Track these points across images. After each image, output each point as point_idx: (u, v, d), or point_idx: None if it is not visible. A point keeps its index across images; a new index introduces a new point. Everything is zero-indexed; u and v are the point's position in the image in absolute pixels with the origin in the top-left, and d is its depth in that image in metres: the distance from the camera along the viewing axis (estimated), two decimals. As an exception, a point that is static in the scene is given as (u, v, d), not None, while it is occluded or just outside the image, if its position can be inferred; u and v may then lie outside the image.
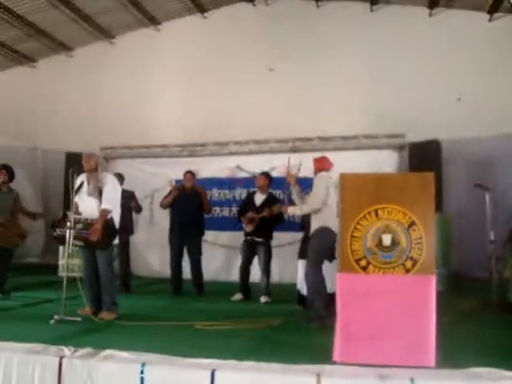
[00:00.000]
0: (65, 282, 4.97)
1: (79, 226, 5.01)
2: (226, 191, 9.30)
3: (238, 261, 8.78)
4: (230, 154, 9.34)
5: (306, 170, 8.70)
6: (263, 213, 6.56)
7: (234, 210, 8.68)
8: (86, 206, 5.19)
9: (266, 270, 6.57)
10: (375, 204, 3.44)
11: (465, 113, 9.34)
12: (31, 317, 5.13)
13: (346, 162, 8.40)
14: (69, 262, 8.85)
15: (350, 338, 3.34)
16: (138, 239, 9.07)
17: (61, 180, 9.78)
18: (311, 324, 4.79)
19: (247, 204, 6.94)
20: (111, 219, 5.13)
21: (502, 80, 9.45)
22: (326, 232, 4.92)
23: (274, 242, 6.97)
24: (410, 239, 3.38)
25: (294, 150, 8.94)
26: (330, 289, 5.39)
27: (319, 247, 4.95)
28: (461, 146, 8.31)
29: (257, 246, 6.67)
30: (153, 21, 11.38)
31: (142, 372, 3.16)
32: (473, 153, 8.54)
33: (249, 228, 6.63)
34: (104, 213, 5.05)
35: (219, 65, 10.99)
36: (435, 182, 7.31)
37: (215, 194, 9.24)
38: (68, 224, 4.94)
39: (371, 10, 10.60)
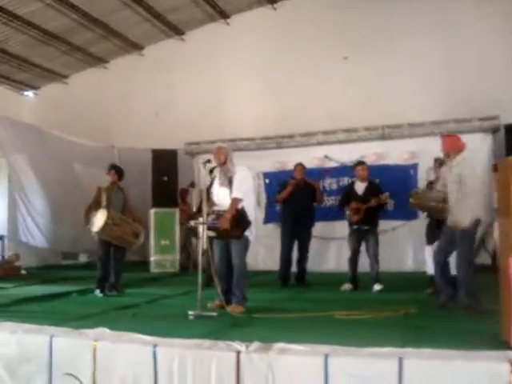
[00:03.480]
0: (200, 277, 4.94)
1: (212, 217, 5.01)
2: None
3: (331, 251, 8.87)
4: (318, 143, 9.23)
5: (396, 157, 8.76)
6: (371, 202, 6.45)
7: (326, 200, 8.58)
8: (219, 197, 5.19)
9: (376, 257, 6.48)
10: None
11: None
12: (165, 313, 5.10)
13: (438, 148, 8.33)
14: (161, 257, 9.32)
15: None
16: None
17: (141, 176, 9.99)
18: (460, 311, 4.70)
19: (349, 194, 6.86)
20: (243, 209, 5.09)
21: None
22: (476, 224, 4.80)
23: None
24: None
25: (383, 138, 8.83)
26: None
27: (470, 239, 4.84)
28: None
29: (364, 234, 6.58)
30: (222, 14, 11.37)
31: (325, 363, 3.10)
32: None
33: (356, 218, 6.54)
34: (234, 202, 5.04)
35: (292, 56, 10.92)
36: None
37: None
38: (201, 216, 4.93)
39: (444, -4, 10.26)
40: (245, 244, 5.19)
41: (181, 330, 4.14)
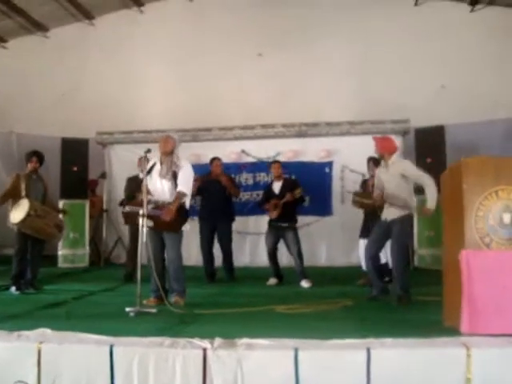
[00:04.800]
0: (139, 271, 4.79)
1: (150, 205, 4.89)
2: (232, 176, 9.25)
3: (246, 245, 8.96)
4: (235, 138, 9.23)
5: (312, 155, 9.06)
6: (286, 197, 6.60)
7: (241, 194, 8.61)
8: (157, 188, 5.10)
9: (299, 253, 6.63)
10: (495, 186, 3.62)
11: (449, 100, 9.79)
12: (100, 311, 4.87)
13: (353, 147, 8.77)
14: (69, 251, 8.82)
15: (477, 311, 3.52)
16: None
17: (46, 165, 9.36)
18: (396, 302, 4.99)
19: (268, 194, 7.01)
20: (184, 204, 5.06)
21: (485, 68, 9.95)
22: (411, 220, 5.13)
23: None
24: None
25: (300, 135, 9.07)
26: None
27: (409, 235, 5.14)
28: (461, 131, 8.67)
29: (283, 231, 6.71)
30: (136, 2, 11.00)
31: (295, 357, 3.15)
32: (467, 138, 9.00)
33: (274, 214, 6.68)
34: (180, 195, 5.00)
35: (207, 49, 10.83)
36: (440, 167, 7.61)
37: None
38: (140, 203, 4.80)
39: (361, -3, 10.79)
40: (180, 237, 5.16)
41: (126, 328, 3.98)
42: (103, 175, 9.39)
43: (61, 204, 8.79)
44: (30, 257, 6.09)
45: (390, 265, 6.21)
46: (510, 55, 9.94)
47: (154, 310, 4.67)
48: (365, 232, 6.47)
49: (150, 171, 5.14)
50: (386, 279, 6.16)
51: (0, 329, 3.81)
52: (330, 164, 8.94)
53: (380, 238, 5.28)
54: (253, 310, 4.76)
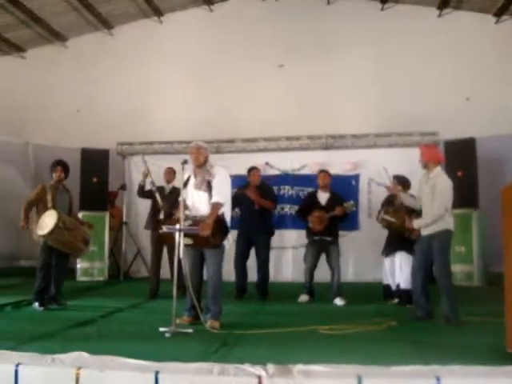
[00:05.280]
0: (174, 289, 4.53)
1: (187, 222, 4.59)
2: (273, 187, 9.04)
3: (276, 260, 8.67)
4: (258, 150, 9.04)
5: (337, 167, 8.84)
6: (336, 211, 6.37)
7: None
8: (194, 201, 4.80)
9: (339, 270, 6.40)
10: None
11: (473, 113, 9.56)
12: (132, 331, 4.61)
13: (380, 160, 8.53)
14: (89, 264, 8.61)
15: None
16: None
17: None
18: (442, 322, 4.77)
19: (310, 203, 6.71)
20: (223, 215, 4.74)
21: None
22: (450, 235, 4.90)
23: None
24: None
25: (326, 148, 8.87)
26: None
27: (448, 250, 4.89)
28: (491, 144, 8.43)
29: (326, 245, 6.48)
30: (156, 12, 10.88)
31: (360, 384, 2.91)
32: (496, 151, 8.76)
33: (319, 227, 6.42)
34: (216, 206, 4.67)
35: (226, 60, 10.71)
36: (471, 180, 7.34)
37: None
38: (177, 220, 4.53)
39: (382, 9, 10.65)
40: (222, 253, 4.85)
41: (166, 351, 3.74)
42: (123, 187, 9.20)
43: (80, 216, 8.61)
44: (55, 271, 5.87)
45: (393, 286, 6.15)
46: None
47: (190, 331, 4.40)
48: (387, 250, 6.28)
49: (185, 185, 4.90)
50: (395, 301, 6.01)
51: (28, 350, 3.58)
52: (356, 177, 8.73)
53: (423, 255, 5.02)
54: (295, 330, 4.50)
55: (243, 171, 8.87)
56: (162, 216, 6.71)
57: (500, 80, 9.77)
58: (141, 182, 6.92)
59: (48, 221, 5.60)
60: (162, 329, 4.40)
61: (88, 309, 5.79)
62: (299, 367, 3.14)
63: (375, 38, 10.40)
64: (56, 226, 5.52)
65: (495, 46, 9.97)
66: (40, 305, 5.71)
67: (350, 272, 8.55)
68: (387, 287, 6.33)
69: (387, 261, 6.27)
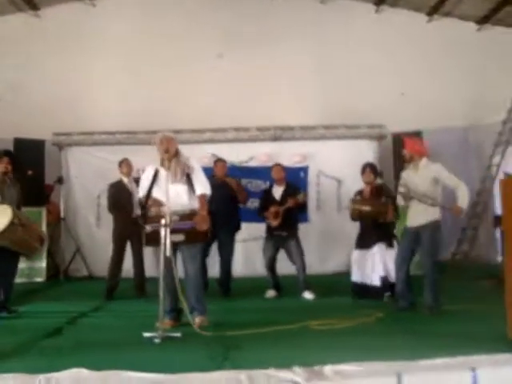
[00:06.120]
0: (161, 289, 4.20)
1: (174, 218, 4.28)
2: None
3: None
4: (204, 141, 8.79)
5: (286, 159, 8.80)
6: (288, 203, 6.25)
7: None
8: (171, 195, 4.34)
9: (303, 264, 6.32)
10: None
11: (408, 107, 9.89)
12: (113, 338, 4.23)
13: (328, 152, 8.64)
14: (24, 265, 7.91)
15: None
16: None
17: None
18: (426, 312, 4.85)
19: (267, 199, 6.58)
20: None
21: (442, 76, 10.19)
22: (440, 226, 4.98)
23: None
24: None
25: (274, 139, 8.79)
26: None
27: (437, 241, 4.95)
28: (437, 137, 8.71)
29: (284, 240, 6.37)
30: (89, -6, 10.18)
31: (399, 383, 2.85)
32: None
33: (275, 222, 6.29)
34: (204, 199, 4.55)
35: (165, 47, 10.23)
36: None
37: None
38: (163, 217, 4.17)
39: (321, 2, 10.71)
40: (200, 249, 4.69)
41: (166, 359, 3.49)
42: (60, 180, 8.51)
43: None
44: (3, 274, 5.28)
45: (369, 280, 6.00)
46: (462, 66, 10.16)
47: (178, 335, 4.12)
48: (361, 242, 6.11)
49: (154, 180, 4.58)
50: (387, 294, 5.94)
51: (5, 370, 3.10)
52: (305, 169, 8.71)
53: (410, 246, 5.09)
54: (287, 327, 4.36)
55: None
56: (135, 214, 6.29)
57: (432, 76, 10.18)
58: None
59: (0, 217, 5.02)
60: (146, 334, 4.09)
61: (46, 315, 5.30)
62: (330, 368, 3.03)
63: (316, 31, 10.41)
64: (11, 223, 4.96)
65: (428, 44, 10.37)
66: (-11, 313, 5.12)
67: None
68: (357, 285, 6.06)
69: (358, 254, 6.08)
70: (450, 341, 3.75)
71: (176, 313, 4.60)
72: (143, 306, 5.66)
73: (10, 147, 8.03)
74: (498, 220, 7.60)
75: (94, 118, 9.50)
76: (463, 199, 4.85)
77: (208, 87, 10.08)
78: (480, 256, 8.98)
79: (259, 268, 7.88)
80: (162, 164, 4.60)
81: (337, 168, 8.61)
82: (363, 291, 5.93)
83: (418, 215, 5.02)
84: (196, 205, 4.54)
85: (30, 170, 8.06)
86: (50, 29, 10.14)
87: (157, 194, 4.54)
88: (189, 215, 4.42)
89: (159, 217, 4.28)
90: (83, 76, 9.98)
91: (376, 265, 5.86)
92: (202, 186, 4.59)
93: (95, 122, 9.36)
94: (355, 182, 8.06)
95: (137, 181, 6.56)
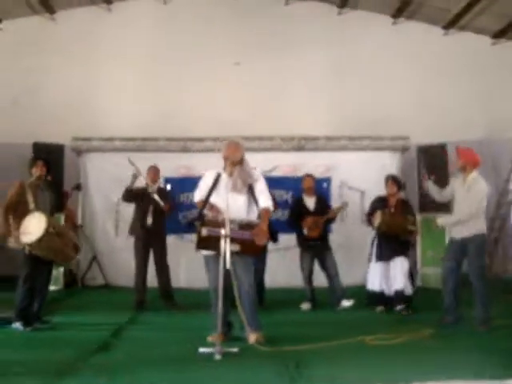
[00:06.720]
0: (220, 301, 4.07)
1: (232, 226, 4.13)
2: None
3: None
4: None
5: (310, 170, 8.71)
6: (330, 214, 6.26)
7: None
8: (229, 204, 4.21)
9: (338, 274, 6.29)
10: None
11: (429, 119, 9.88)
12: (165, 354, 4.05)
13: (351, 163, 8.57)
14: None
15: None
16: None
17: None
18: (478, 326, 4.80)
19: (299, 209, 6.52)
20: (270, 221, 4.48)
21: (458, 89, 10.19)
22: (485, 239, 4.93)
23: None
24: None
25: (298, 149, 8.70)
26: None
27: (483, 254, 4.90)
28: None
29: (321, 251, 6.33)
30: (105, -1, 10.06)
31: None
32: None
33: (315, 233, 6.23)
34: (268, 213, 4.40)
35: (180, 54, 10.15)
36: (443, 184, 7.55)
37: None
38: (222, 224, 4.07)
39: (339, 14, 10.70)
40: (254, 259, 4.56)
41: (237, 379, 3.37)
42: (78, 186, 8.34)
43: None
44: (39, 284, 5.11)
45: (387, 291, 6.05)
46: (477, 80, 10.18)
47: (236, 350, 3.99)
48: (381, 254, 6.07)
49: (214, 185, 4.45)
50: (381, 308, 5.96)
51: None
52: (328, 180, 8.62)
53: (457, 258, 5.02)
54: (342, 342, 4.27)
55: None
56: (149, 220, 6.16)
57: (449, 89, 10.19)
58: (128, 186, 6.29)
59: (34, 225, 4.86)
60: (202, 349, 3.95)
61: (84, 327, 5.12)
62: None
63: (334, 40, 10.36)
64: (46, 232, 4.80)
65: (444, 56, 10.39)
66: (25, 325, 4.92)
67: (322, 276, 8.45)
68: (375, 293, 6.11)
69: (379, 265, 6.05)
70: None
71: (227, 327, 4.46)
72: (179, 318, 5.55)
73: (29, 152, 7.88)
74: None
75: (112, 123, 9.36)
76: (450, 220, 5.07)
77: (227, 95, 10.01)
78: (501, 270, 8.95)
79: (281, 279, 7.85)
80: (225, 170, 4.47)
81: (360, 179, 8.53)
82: (379, 299, 5.99)
83: (462, 227, 4.97)
84: (254, 217, 4.41)
85: (49, 175, 7.89)
86: (65, 32, 10.02)
87: (215, 200, 4.42)
88: (248, 225, 4.28)
89: (216, 222, 4.16)
90: (99, 81, 9.90)
91: (397, 276, 5.91)
92: (266, 199, 4.45)
93: (113, 127, 9.20)
94: (378, 193, 8.08)
95: (160, 190, 6.50)
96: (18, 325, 4.93)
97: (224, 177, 4.47)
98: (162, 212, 6.27)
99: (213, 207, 4.38)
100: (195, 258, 5.10)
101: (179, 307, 6.08)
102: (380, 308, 5.98)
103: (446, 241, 7.94)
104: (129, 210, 8.12)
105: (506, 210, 9.09)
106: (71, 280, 8.21)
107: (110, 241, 8.44)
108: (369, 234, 8.39)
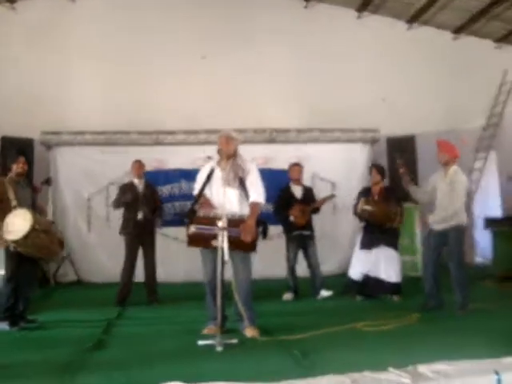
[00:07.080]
0: (219, 294, 4.10)
1: (221, 222, 4.07)
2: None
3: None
4: (199, 143, 8.61)
5: (282, 162, 8.80)
6: (317, 203, 6.37)
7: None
8: (222, 199, 4.23)
9: (318, 264, 6.42)
10: None
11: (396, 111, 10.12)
12: (165, 348, 4.01)
13: (322, 155, 8.72)
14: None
15: None
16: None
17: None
18: (457, 310, 5.02)
19: (286, 198, 6.56)
20: (259, 216, 4.38)
21: (420, 82, 10.49)
22: (464, 230, 5.17)
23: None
24: None
25: (270, 141, 8.77)
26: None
27: (462, 244, 5.10)
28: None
29: (305, 240, 6.41)
30: (68, -12, 9.78)
31: (499, 381, 2.92)
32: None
33: (302, 221, 6.32)
34: (257, 206, 4.32)
35: (146, 46, 10.01)
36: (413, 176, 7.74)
37: (185, 186, 8.44)
38: (218, 220, 4.03)
39: (305, 7, 10.80)
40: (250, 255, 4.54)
41: (246, 369, 3.33)
42: (48, 181, 8.06)
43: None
44: (24, 282, 4.97)
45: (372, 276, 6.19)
46: (438, 73, 10.51)
47: (235, 341, 4.01)
48: (366, 243, 6.20)
49: (208, 179, 4.45)
50: (359, 297, 6.12)
51: None
52: (300, 171, 8.71)
53: (436, 247, 5.22)
54: (335, 330, 4.38)
55: (184, 165, 8.44)
56: (140, 215, 6.12)
57: (411, 82, 10.46)
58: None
59: (19, 222, 4.74)
60: (202, 342, 3.97)
61: (72, 324, 5.01)
62: (424, 368, 3.06)
63: (300, 33, 10.43)
64: (32, 229, 4.69)
65: (407, 50, 10.65)
66: (12, 324, 4.79)
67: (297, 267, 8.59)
68: (355, 282, 6.20)
69: (363, 253, 6.15)
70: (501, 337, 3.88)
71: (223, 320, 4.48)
72: (167, 311, 5.55)
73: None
74: (488, 222, 7.89)
75: (82, 116, 9.20)
76: (437, 216, 5.21)
77: (197, 89, 9.93)
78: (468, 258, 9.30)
79: (261, 269, 7.90)
80: (219, 163, 4.45)
81: (331, 171, 8.69)
82: (360, 288, 6.13)
83: (441, 219, 5.17)
84: (247, 211, 4.34)
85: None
86: (27, 23, 9.72)
87: (208, 194, 4.42)
88: (237, 221, 4.18)
89: (207, 219, 4.16)
90: (64, 73, 9.65)
91: (382, 266, 6.06)
92: (256, 193, 4.36)
93: (83, 121, 9.06)
94: (349, 185, 8.27)
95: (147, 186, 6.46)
96: (3, 325, 4.80)
97: (218, 170, 4.45)
98: (152, 207, 6.25)
99: (206, 202, 4.37)
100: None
101: (160, 302, 6.13)
102: (360, 297, 6.12)
103: (416, 230, 8.40)
104: (100, 205, 8.10)
105: (469, 199, 9.43)
106: (42, 277, 7.99)
107: (82, 237, 8.31)
108: (341, 223, 8.65)
